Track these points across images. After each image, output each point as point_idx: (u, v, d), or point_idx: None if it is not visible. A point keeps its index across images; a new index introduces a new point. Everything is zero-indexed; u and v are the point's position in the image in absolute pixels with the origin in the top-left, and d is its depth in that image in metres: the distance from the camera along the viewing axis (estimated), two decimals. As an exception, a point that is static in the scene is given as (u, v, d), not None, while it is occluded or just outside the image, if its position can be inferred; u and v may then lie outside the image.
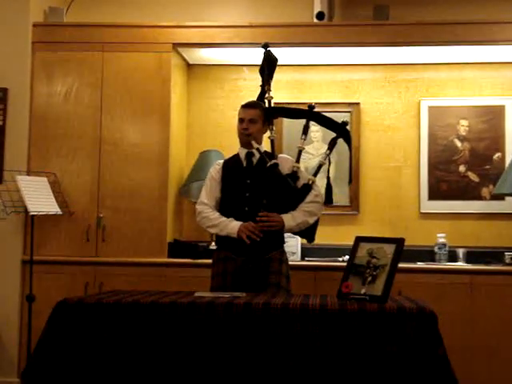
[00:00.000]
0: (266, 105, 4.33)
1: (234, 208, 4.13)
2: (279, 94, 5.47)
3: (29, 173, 5.13)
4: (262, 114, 4.21)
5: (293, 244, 5.22)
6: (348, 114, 5.54)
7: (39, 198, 4.87)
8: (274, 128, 4.38)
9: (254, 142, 4.13)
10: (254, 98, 4.41)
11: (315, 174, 4.23)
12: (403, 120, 5.60)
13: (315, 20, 5.26)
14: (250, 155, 4.19)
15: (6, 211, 4.89)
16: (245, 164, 4.20)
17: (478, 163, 5.48)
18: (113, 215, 5.16)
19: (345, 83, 5.66)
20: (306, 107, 4.44)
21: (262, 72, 4.45)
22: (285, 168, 4.17)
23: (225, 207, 4.18)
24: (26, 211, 4.82)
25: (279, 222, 4.05)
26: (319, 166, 4.27)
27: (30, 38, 5.24)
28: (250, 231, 3.99)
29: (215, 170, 4.27)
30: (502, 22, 5.05)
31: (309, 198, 4.15)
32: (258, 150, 4.15)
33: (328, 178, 4.34)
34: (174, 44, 5.25)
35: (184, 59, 5.61)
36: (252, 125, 4.15)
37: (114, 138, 5.21)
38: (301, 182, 4.18)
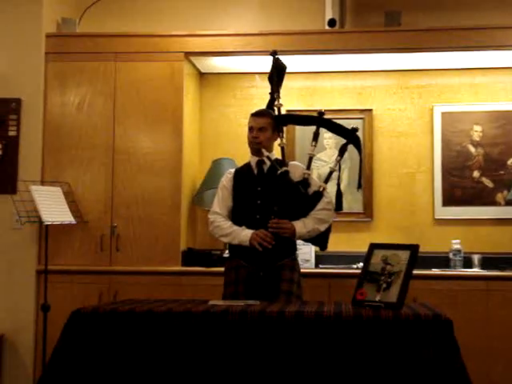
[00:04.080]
0: (276, 112, 4.33)
1: (246, 216, 4.13)
2: (291, 102, 5.49)
3: (43, 183, 5.15)
4: (271, 122, 4.21)
5: (306, 251, 5.22)
6: (361, 120, 5.53)
7: (53, 207, 4.89)
8: (285, 135, 4.38)
9: (264, 150, 4.13)
10: (266, 105, 4.41)
11: (326, 181, 4.22)
12: (416, 126, 5.59)
13: (327, 27, 5.26)
14: (260, 163, 4.20)
15: (20, 221, 4.91)
16: (256, 172, 4.21)
17: (492, 168, 5.45)
18: (126, 224, 5.17)
19: (357, 90, 5.66)
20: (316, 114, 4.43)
21: (270, 80, 4.44)
22: (296, 175, 4.16)
23: (237, 215, 4.18)
24: (40, 221, 4.83)
25: (290, 229, 4.05)
26: (330, 173, 4.26)
27: (43, 49, 5.28)
28: (262, 238, 3.99)
29: (227, 178, 4.28)
30: (515, 26, 5.05)
31: (320, 205, 4.14)
32: (268, 157, 4.15)
33: (338, 184, 4.32)
34: (185, 53, 5.27)
35: (196, 68, 5.62)
36: (262, 133, 4.16)
37: (127, 147, 5.23)
38: (312, 189, 4.17)
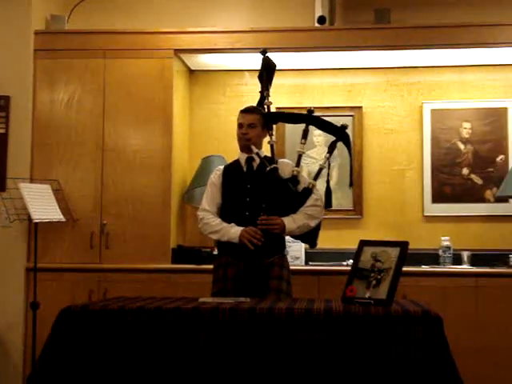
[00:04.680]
0: (266, 110, 4.33)
1: (235, 213, 4.13)
2: (281, 99, 5.48)
3: (32, 180, 5.13)
4: (260, 119, 4.21)
5: (297, 249, 5.22)
6: (350, 117, 5.53)
7: (42, 205, 4.87)
8: (274, 133, 4.38)
9: (253, 147, 4.14)
10: (256, 103, 4.42)
11: (315, 178, 4.23)
12: (406, 123, 5.60)
13: (316, 24, 5.27)
14: (250, 160, 4.20)
15: (9, 219, 4.89)
16: (245, 169, 4.21)
17: (482, 166, 5.47)
18: (116, 222, 5.16)
19: (347, 87, 5.66)
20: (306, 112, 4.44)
21: (260, 78, 4.46)
22: (285, 172, 4.17)
23: (226, 212, 4.18)
24: (30, 219, 4.81)
25: (280, 225, 4.05)
26: (319, 170, 4.27)
27: (31, 46, 5.25)
28: (252, 235, 3.99)
29: (216, 175, 4.28)
30: (503, 24, 5.05)
31: (309, 201, 4.15)
32: (257, 154, 4.15)
33: (328, 181, 4.34)
34: (175, 50, 5.26)
35: (186, 65, 5.61)
36: (251, 129, 4.16)
37: (117, 144, 5.21)
38: (301, 186, 4.18)
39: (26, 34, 5.24)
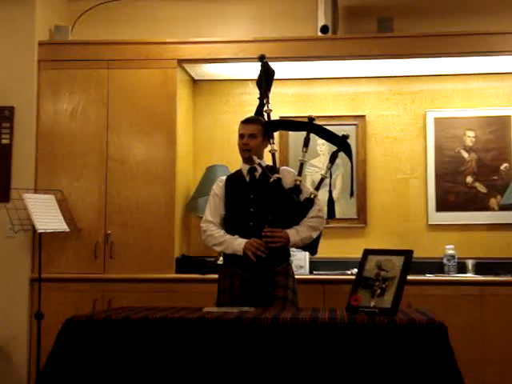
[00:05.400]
0: (266, 117, 4.32)
1: (239, 224, 4.12)
2: (284, 108, 5.50)
3: (36, 190, 5.14)
4: (261, 129, 4.20)
5: (301, 257, 5.21)
6: (354, 126, 5.54)
7: (46, 215, 4.88)
8: (276, 141, 4.36)
9: (255, 158, 4.12)
10: (255, 110, 4.41)
11: (317, 188, 4.22)
12: (409, 132, 5.60)
13: (319, 33, 5.27)
14: (252, 170, 4.19)
15: (13, 229, 4.90)
16: (248, 179, 4.20)
17: (486, 174, 5.46)
18: (120, 232, 5.16)
19: (350, 96, 5.67)
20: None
21: (259, 84, 4.43)
22: (287, 181, 4.15)
23: (229, 223, 4.17)
24: (34, 229, 4.82)
25: (284, 238, 4.05)
26: (321, 180, 4.26)
27: (35, 57, 5.28)
28: (256, 248, 3.98)
29: (218, 186, 4.27)
30: (506, 32, 5.07)
31: (312, 213, 4.14)
32: (259, 164, 4.14)
33: (330, 191, 4.33)
34: (178, 60, 5.27)
35: (189, 75, 5.63)
36: (252, 140, 4.15)
37: (121, 154, 5.22)
38: (303, 196, 4.17)
39: (30, 45, 5.26)
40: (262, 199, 4.09)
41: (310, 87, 5.69)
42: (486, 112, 5.50)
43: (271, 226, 4.03)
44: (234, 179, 4.26)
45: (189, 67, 5.47)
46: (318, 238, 4.22)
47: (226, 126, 5.71)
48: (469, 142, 5.50)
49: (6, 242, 5.14)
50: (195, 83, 5.79)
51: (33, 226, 4.80)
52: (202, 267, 5.09)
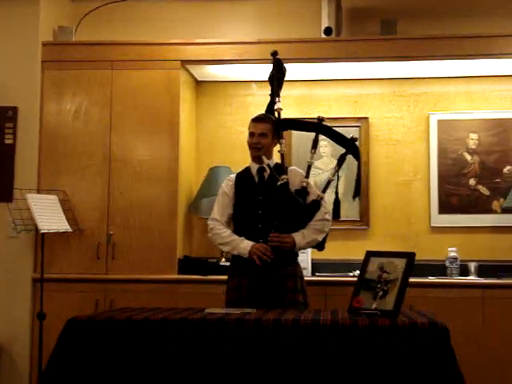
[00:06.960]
0: (276, 116, 4.32)
1: (248, 225, 4.12)
2: (288, 110, 5.45)
3: (39, 191, 5.15)
4: (272, 128, 4.19)
5: (303, 259, 5.19)
6: (357, 128, 5.54)
7: (49, 215, 4.88)
8: (284, 141, 4.35)
9: (264, 158, 4.11)
10: (266, 107, 4.40)
11: (324, 190, 4.22)
12: (412, 134, 5.59)
13: (323, 35, 5.28)
14: (261, 170, 4.18)
15: (16, 229, 4.91)
16: (257, 179, 4.19)
17: (488, 176, 5.46)
18: (123, 232, 5.16)
19: (353, 98, 5.67)
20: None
21: (271, 80, 4.42)
22: (295, 182, 4.15)
23: (238, 224, 4.17)
24: (37, 229, 4.83)
25: (290, 243, 4.05)
26: (328, 182, 4.26)
27: (39, 57, 5.28)
28: (262, 252, 3.98)
29: (228, 185, 4.25)
30: (509, 35, 5.06)
31: (318, 215, 4.14)
32: (268, 165, 4.13)
33: (336, 193, 4.34)
34: (182, 61, 5.28)
35: (192, 76, 5.63)
36: (262, 138, 4.14)
37: (124, 155, 5.23)
38: (310, 198, 4.17)
39: (34, 46, 5.27)
40: (270, 201, 4.08)
41: (314, 89, 5.69)
42: (490, 114, 5.50)
43: (277, 230, 4.02)
44: (243, 179, 4.24)
45: (192, 68, 5.47)
46: (326, 235, 4.21)
47: (229, 127, 5.71)
48: (472, 144, 5.50)
49: (8, 242, 5.14)
50: (198, 84, 5.79)
51: (35, 226, 4.80)
52: (204, 268, 5.08)
